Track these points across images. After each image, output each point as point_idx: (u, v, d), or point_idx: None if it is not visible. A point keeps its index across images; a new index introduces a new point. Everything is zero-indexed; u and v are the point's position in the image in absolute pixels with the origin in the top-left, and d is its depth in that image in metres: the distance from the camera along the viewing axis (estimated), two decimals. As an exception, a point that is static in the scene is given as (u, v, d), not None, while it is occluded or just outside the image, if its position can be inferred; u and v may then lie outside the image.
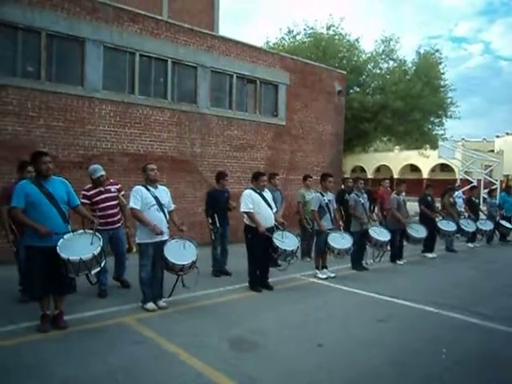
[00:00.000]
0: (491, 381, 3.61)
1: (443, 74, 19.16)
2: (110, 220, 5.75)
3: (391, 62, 19.56)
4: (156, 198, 5.17)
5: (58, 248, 4.16)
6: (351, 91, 18.42)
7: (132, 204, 5.11)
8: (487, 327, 4.84)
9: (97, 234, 4.51)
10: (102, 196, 5.75)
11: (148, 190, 5.19)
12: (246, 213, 6.12)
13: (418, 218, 9.72)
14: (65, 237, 4.29)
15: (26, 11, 7.98)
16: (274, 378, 3.47)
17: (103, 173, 5.82)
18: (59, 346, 4.02)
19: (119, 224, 5.93)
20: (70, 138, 8.52)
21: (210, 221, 6.99)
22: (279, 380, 3.45)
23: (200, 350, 3.96)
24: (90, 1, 8.86)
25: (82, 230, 4.49)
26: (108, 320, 4.77)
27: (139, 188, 5.19)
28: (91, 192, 5.74)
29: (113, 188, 5.92)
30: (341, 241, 7.01)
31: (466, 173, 22.97)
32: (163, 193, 5.33)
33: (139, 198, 5.10)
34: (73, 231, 4.43)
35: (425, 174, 38.93)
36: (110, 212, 5.76)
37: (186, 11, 13.83)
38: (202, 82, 10.61)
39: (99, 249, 4.35)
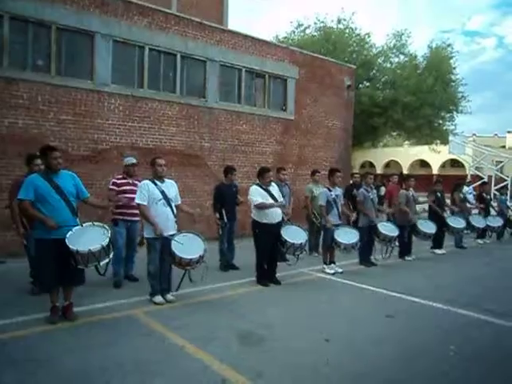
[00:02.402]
0: (501, 379, 3.58)
1: (455, 68, 18.94)
2: (129, 211, 5.91)
3: (402, 57, 19.39)
4: (163, 192, 5.18)
5: (66, 240, 4.21)
6: (361, 86, 18.29)
7: (138, 199, 5.14)
8: (498, 325, 4.79)
9: (105, 225, 4.58)
10: (129, 187, 5.99)
11: (155, 184, 5.20)
12: (257, 206, 6.09)
13: (426, 214, 9.63)
14: (73, 229, 4.33)
15: (37, 5, 8.02)
16: (281, 372, 3.48)
17: (135, 162, 6.21)
18: (68, 338, 4.06)
19: (137, 218, 6.03)
20: (80, 132, 8.58)
21: (218, 215, 7.00)
22: (286, 374, 3.46)
23: (207, 344, 3.98)
24: (99, -6, 8.88)
25: (90, 223, 4.52)
26: (116, 312, 4.82)
27: (146, 183, 5.20)
28: (121, 181, 6.06)
29: (139, 184, 6.04)
30: (348, 236, 6.98)
31: (476, 169, 22.73)
32: (170, 187, 5.33)
33: (146, 193, 5.12)
34: (81, 224, 4.47)
35: (435, 170, 38.60)
36: (132, 204, 5.86)
37: (195, 5, 13.80)
38: (210, 76, 10.60)
39: (107, 240, 4.41)
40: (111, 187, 6.03)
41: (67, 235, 4.25)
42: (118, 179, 6.10)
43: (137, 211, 5.90)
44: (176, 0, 13.56)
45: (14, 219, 5.32)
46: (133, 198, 5.84)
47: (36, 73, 8.18)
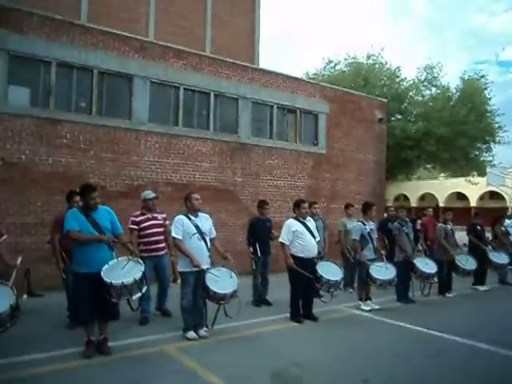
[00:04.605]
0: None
1: (490, 99, 18.60)
2: (154, 247, 5.91)
3: (434, 89, 19.25)
4: (197, 226, 5.23)
5: (102, 273, 4.31)
6: (393, 119, 18.21)
7: (174, 234, 5.21)
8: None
9: (139, 260, 4.66)
10: (150, 222, 5.96)
11: (189, 219, 5.26)
12: (281, 243, 6.10)
13: (466, 249, 9.25)
14: (109, 263, 4.44)
15: (81, 51, 8.59)
16: (316, 415, 3.34)
17: (155, 195, 6.17)
18: (102, 373, 4.08)
19: (164, 252, 6.05)
20: (117, 169, 8.91)
21: (252, 250, 6.98)
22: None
23: (241, 382, 3.89)
24: (138, 40, 9.44)
25: (125, 257, 4.62)
26: (149, 347, 4.81)
27: (181, 218, 5.27)
28: (140, 218, 5.98)
29: (159, 216, 6.11)
30: (384, 271, 6.77)
31: (517, 201, 21.81)
32: (204, 221, 5.38)
33: (180, 227, 5.19)
34: (117, 258, 4.57)
35: (473, 202, 37.31)
36: (156, 239, 5.93)
37: (228, 47, 14.35)
38: (243, 113, 10.87)
39: (140, 274, 4.48)
40: (131, 226, 5.89)
41: (103, 269, 4.36)
42: (137, 216, 5.99)
43: (161, 245, 5.98)
44: (210, 42, 14.20)
45: (55, 253, 5.51)
46: (157, 233, 5.92)
47: (78, 114, 8.66)
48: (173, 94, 9.93)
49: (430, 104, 18.21)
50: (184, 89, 10.01)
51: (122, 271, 4.42)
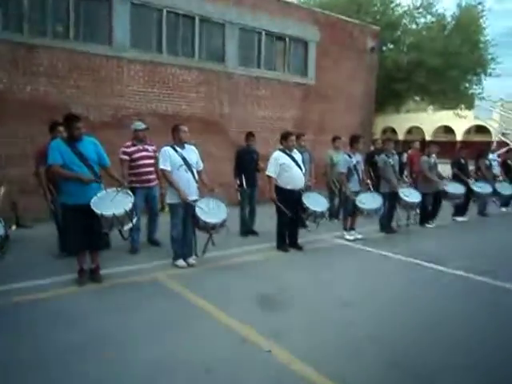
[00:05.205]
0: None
1: (485, 28, 18.03)
2: (146, 178, 5.93)
3: (429, 17, 18.53)
4: (184, 158, 5.19)
5: (91, 204, 4.32)
6: (385, 49, 17.65)
7: (162, 165, 5.18)
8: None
9: (128, 191, 4.67)
10: (141, 154, 5.93)
11: (175, 150, 5.21)
12: (268, 176, 6.13)
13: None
14: (98, 194, 4.44)
15: (53, -32, 7.91)
16: (300, 333, 3.57)
17: (146, 127, 6.07)
18: (95, 299, 4.24)
19: (155, 183, 6.07)
20: (100, 98, 8.61)
21: (238, 181, 7.03)
22: (305, 335, 3.54)
23: (228, 306, 4.10)
24: (116, -44, 8.68)
25: (114, 188, 4.61)
26: (140, 275, 4.97)
27: (167, 149, 5.21)
28: (131, 149, 5.93)
29: (150, 148, 6.05)
30: (370, 200, 6.92)
31: (503, 135, 21.95)
32: (191, 152, 5.34)
33: (168, 158, 5.15)
34: (105, 190, 4.56)
35: (459, 136, 37.47)
36: (147, 170, 5.92)
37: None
38: (230, 41, 10.39)
39: (131, 205, 4.50)
40: (123, 157, 5.86)
41: (92, 200, 4.35)
42: (128, 147, 5.94)
43: (153, 176, 5.97)
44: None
45: (41, 185, 5.45)
46: (148, 164, 5.88)
47: (55, 39, 8.16)
48: (155, 18, 9.36)
49: (424, 33, 17.62)
50: (167, 11, 9.42)
51: (112, 202, 4.42)
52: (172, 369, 3.00)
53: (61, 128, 5.08)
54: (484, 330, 3.78)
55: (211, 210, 5.18)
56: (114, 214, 4.35)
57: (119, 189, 4.59)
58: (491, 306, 4.37)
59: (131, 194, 4.67)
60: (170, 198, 5.26)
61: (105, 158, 4.68)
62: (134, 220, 4.66)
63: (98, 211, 4.31)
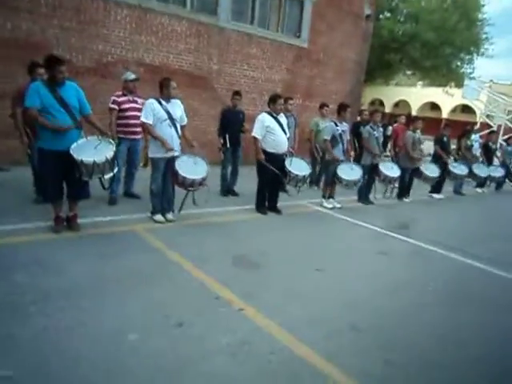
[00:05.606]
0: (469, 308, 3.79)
1: (483, 6, 17.81)
2: (132, 130, 5.86)
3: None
4: (168, 112, 5.09)
5: (71, 150, 4.21)
6: (381, 17, 17.30)
7: (144, 118, 5.07)
8: (482, 270, 4.98)
9: (111, 140, 4.56)
10: (130, 105, 5.86)
11: (160, 104, 5.09)
12: (254, 137, 6.09)
13: (430, 158, 9.60)
14: (78, 141, 4.32)
15: None
16: (271, 295, 3.67)
17: (136, 77, 5.97)
18: (71, 247, 4.23)
19: (140, 136, 6.00)
20: (85, 42, 8.23)
21: (221, 140, 6.96)
22: (276, 297, 3.65)
23: (204, 263, 4.16)
24: None
25: (95, 136, 4.49)
26: (118, 226, 4.97)
27: (152, 102, 5.08)
28: (121, 99, 5.84)
29: (139, 100, 5.92)
30: (350, 172, 7.00)
31: (487, 116, 22.21)
32: (176, 107, 5.22)
33: (151, 112, 5.04)
34: (86, 137, 4.44)
35: (444, 114, 37.71)
36: (134, 122, 5.80)
37: None
38: (224, -8, 9.96)
39: (112, 153, 4.41)
40: (112, 106, 5.80)
41: (72, 146, 4.24)
42: (118, 96, 5.87)
43: (138, 129, 5.87)
44: None
45: (18, 128, 5.28)
46: (135, 116, 5.77)
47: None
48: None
49: (422, 4, 17.29)
50: (160, -45, 8.92)
51: (94, 150, 4.32)
52: (144, 321, 3.06)
53: (41, 70, 4.85)
54: (438, 295, 3.97)
55: (191, 167, 5.15)
56: (94, 161, 4.25)
57: (101, 138, 4.48)
58: (453, 278, 4.57)
59: (113, 142, 4.57)
60: (152, 152, 5.18)
61: (86, 105, 4.51)
62: (115, 170, 4.59)
63: (78, 157, 4.21)
